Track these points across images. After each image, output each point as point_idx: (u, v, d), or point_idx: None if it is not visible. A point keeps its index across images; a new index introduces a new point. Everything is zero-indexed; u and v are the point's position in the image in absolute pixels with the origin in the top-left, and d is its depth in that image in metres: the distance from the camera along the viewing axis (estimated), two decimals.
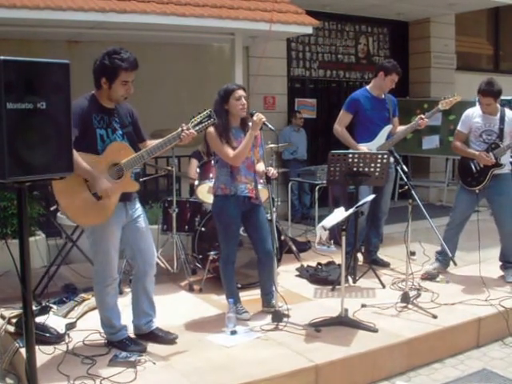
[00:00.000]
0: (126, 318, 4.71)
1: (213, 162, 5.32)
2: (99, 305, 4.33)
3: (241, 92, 4.78)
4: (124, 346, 4.26)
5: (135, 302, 4.43)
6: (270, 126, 4.75)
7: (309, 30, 8.40)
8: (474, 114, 5.94)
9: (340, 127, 6.39)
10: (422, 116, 6.24)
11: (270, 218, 4.92)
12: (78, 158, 3.77)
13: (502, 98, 6.09)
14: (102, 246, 4.14)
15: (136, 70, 4.03)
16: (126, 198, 4.16)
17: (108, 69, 3.93)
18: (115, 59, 3.93)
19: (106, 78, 3.96)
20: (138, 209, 4.32)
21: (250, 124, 4.74)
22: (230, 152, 4.73)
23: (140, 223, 4.29)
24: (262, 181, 5.06)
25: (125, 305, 5.10)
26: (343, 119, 6.41)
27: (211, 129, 4.66)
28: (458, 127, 6.09)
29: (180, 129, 4.12)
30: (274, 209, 6.49)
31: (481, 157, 5.76)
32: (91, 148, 3.96)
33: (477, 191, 5.89)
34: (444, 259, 6.15)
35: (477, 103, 6.22)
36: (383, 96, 6.42)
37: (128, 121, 4.22)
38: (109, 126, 4.06)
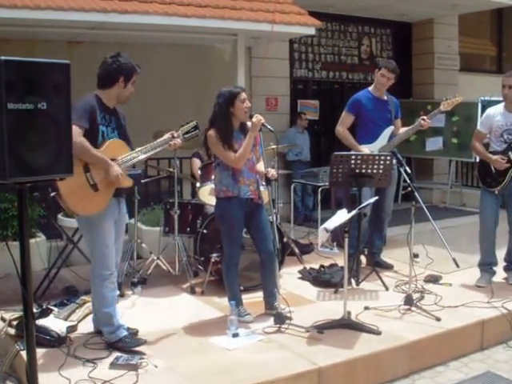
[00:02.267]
0: (128, 320, 4.71)
1: (214, 164, 5.30)
2: (98, 301, 4.36)
3: (245, 94, 4.79)
4: (124, 344, 4.27)
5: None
6: (268, 126, 4.77)
7: (311, 31, 8.37)
8: (495, 113, 5.82)
9: (342, 128, 6.38)
10: (424, 117, 6.20)
11: (271, 219, 4.91)
12: (92, 147, 4.07)
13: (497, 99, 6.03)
14: (98, 239, 4.27)
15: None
16: (120, 194, 4.37)
17: (128, 69, 4.27)
18: (129, 61, 4.27)
19: (124, 77, 4.26)
20: (124, 208, 4.57)
21: (250, 125, 4.74)
22: (232, 155, 4.72)
23: (122, 224, 4.61)
24: (263, 182, 5.04)
25: (125, 307, 5.11)
26: (345, 120, 6.40)
27: (212, 132, 4.67)
28: (478, 127, 6.03)
29: (170, 135, 4.50)
30: (276, 210, 6.51)
31: (497, 161, 5.68)
32: (92, 142, 4.13)
33: (496, 192, 5.81)
34: (490, 269, 5.98)
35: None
36: (385, 97, 6.40)
37: (124, 123, 4.49)
38: (109, 125, 4.31)
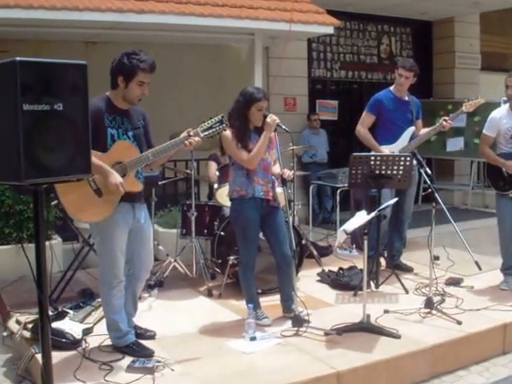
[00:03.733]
0: (143, 323, 4.69)
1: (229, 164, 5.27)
2: (105, 307, 4.31)
3: (264, 104, 4.70)
4: (131, 350, 4.22)
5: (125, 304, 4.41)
6: (283, 127, 4.72)
7: (330, 30, 8.32)
8: (501, 116, 5.75)
9: (362, 128, 6.32)
10: (446, 118, 6.13)
11: (288, 220, 4.87)
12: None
13: None
14: (107, 247, 4.15)
15: (153, 72, 4.10)
16: (133, 199, 4.18)
17: (126, 68, 4.01)
18: (134, 59, 4.01)
19: (123, 76, 4.03)
20: (145, 215, 4.36)
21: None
22: (245, 155, 4.68)
23: (145, 229, 4.34)
24: (280, 184, 4.99)
25: (142, 310, 5.09)
26: (366, 120, 6.34)
27: (227, 131, 4.61)
28: (484, 131, 5.92)
29: (186, 133, 4.18)
30: (293, 211, 6.45)
31: (509, 166, 5.59)
32: (101, 146, 3.99)
33: (510, 195, 5.71)
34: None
35: (502, 103, 6.07)
36: (407, 98, 6.33)
37: (140, 123, 4.28)
38: (120, 127, 4.12)
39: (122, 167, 4.06)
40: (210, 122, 4.29)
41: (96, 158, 3.87)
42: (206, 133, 4.27)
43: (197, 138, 4.20)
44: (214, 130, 4.30)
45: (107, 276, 4.18)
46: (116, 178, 3.95)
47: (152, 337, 4.54)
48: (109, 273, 4.17)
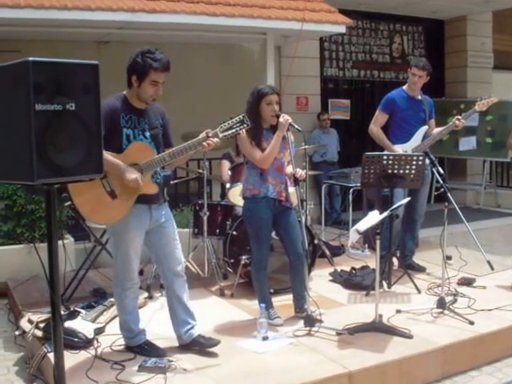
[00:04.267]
0: (155, 323, 4.70)
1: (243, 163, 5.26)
2: (118, 307, 4.30)
3: (272, 97, 4.68)
4: (143, 350, 4.21)
5: (171, 310, 4.32)
6: (296, 126, 4.69)
7: (342, 29, 8.31)
8: None
9: (375, 127, 6.31)
10: (459, 117, 6.10)
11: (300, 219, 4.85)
12: (104, 153, 3.75)
13: None
14: (121, 250, 4.09)
15: (167, 72, 3.99)
16: (150, 200, 4.08)
17: (139, 67, 3.93)
18: (148, 58, 3.92)
19: (136, 75, 3.96)
20: (165, 214, 4.24)
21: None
22: (258, 154, 4.67)
23: (167, 228, 4.21)
24: (293, 183, 4.98)
25: (154, 309, 5.09)
26: (379, 119, 6.32)
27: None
28: None
29: (205, 134, 4.04)
30: (306, 211, 6.44)
31: None
32: (116, 147, 3.94)
33: None
34: None
35: None
36: (420, 97, 6.30)
37: (159, 123, 4.18)
38: (136, 127, 4.04)
39: (138, 169, 3.96)
40: (230, 122, 4.10)
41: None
42: (225, 133, 4.09)
43: (215, 140, 4.04)
44: (234, 130, 4.10)
45: (121, 278, 4.16)
46: (133, 172, 3.87)
47: (215, 345, 4.26)
48: (122, 275, 4.15)
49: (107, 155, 3.77)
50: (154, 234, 4.19)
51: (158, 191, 4.10)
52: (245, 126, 4.13)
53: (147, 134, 4.08)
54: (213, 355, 4.21)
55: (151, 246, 4.23)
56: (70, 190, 3.84)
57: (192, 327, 4.29)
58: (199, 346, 4.25)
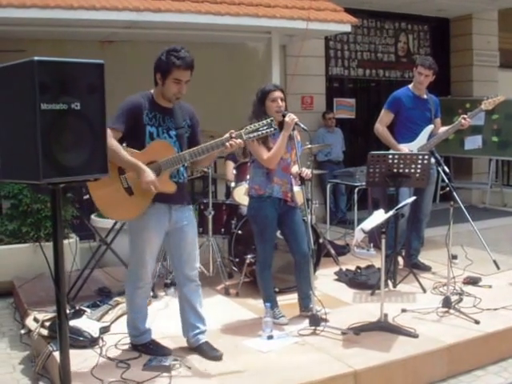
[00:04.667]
0: (160, 322, 4.72)
1: (249, 162, 5.25)
2: (128, 304, 4.30)
3: (277, 94, 4.69)
4: (148, 349, 4.21)
5: (181, 312, 4.31)
6: (302, 125, 4.68)
7: (347, 28, 8.31)
8: None
9: (381, 126, 6.29)
10: (465, 116, 6.08)
11: (305, 219, 4.85)
12: (122, 150, 3.82)
13: None
14: (137, 249, 4.08)
15: (190, 70, 3.99)
16: (169, 200, 4.03)
17: (163, 64, 3.95)
18: (171, 56, 3.93)
19: (160, 73, 3.98)
20: (187, 217, 4.19)
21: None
22: (265, 154, 4.66)
23: (186, 232, 4.16)
24: (298, 183, 4.97)
25: (158, 309, 5.09)
26: (384, 118, 6.30)
27: None
28: None
29: (228, 135, 4.00)
30: (311, 210, 6.43)
31: None
32: (139, 144, 3.95)
33: None
34: None
35: None
36: (425, 96, 6.27)
37: (186, 123, 4.16)
38: (161, 125, 4.02)
39: (156, 166, 3.92)
40: (256, 124, 4.07)
41: (130, 156, 3.86)
42: (250, 135, 4.05)
43: (239, 141, 3.99)
44: (259, 132, 4.07)
45: (133, 276, 4.16)
46: (148, 176, 3.83)
47: (216, 358, 4.16)
48: (135, 273, 4.14)
49: (125, 153, 3.81)
50: (173, 237, 4.15)
51: (177, 191, 4.03)
52: (272, 129, 4.10)
53: (172, 132, 4.06)
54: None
55: (169, 247, 4.24)
56: (88, 184, 3.80)
57: (200, 332, 4.27)
58: (202, 353, 4.21)
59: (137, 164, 3.85)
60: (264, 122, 4.08)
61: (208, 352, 4.20)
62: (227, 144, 3.96)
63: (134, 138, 3.91)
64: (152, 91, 4.08)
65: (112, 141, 3.69)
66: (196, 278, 4.29)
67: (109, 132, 3.42)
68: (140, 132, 3.94)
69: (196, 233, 4.29)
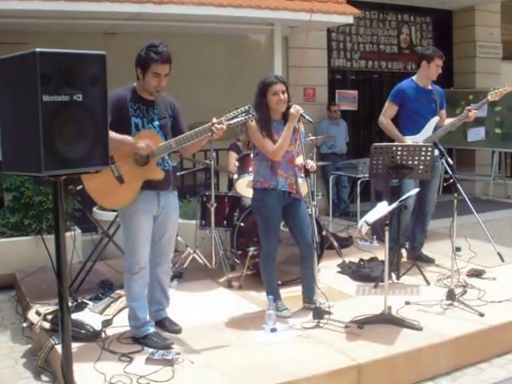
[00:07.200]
0: None
1: (252, 155, 5.23)
2: (126, 293, 4.37)
3: (278, 87, 4.66)
4: (149, 341, 4.23)
5: (149, 287, 4.46)
6: (307, 117, 4.68)
7: (350, 20, 8.27)
8: None
9: (385, 119, 6.23)
10: (470, 107, 6.03)
11: (310, 211, 4.83)
12: (112, 133, 3.88)
13: None
14: (130, 233, 4.24)
15: (167, 64, 4.16)
16: (157, 186, 4.24)
17: (142, 60, 4.14)
18: (150, 51, 4.11)
19: (140, 68, 4.17)
20: (173, 202, 4.43)
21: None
22: (270, 146, 4.65)
23: (170, 216, 4.40)
24: (302, 175, 4.95)
25: None
26: (388, 110, 6.24)
27: (253, 122, 4.57)
28: None
29: (211, 123, 4.19)
30: (315, 203, 6.41)
31: None
32: (124, 134, 4.10)
33: None
34: None
35: None
36: (430, 87, 6.22)
37: (168, 113, 4.35)
38: (145, 116, 4.22)
39: (144, 155, 4.13)
40: (235, 112, 4.29)
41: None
42: (230, 122, 4.25)
43: (220, 126, 4.18)
44: (239, 119, 4.28)
45: (129, 262, 4.26)
46: (142, 141, 4.06)
47: (176, 331, 4.49)
48: (130, 259, 4.25)
49: (113, 133, 3.91)
50: (159, 221, 4.34)
51: (164, 177, 4.25)
52: (250, 116, 4.32)
53: (156, 123, 4.26)
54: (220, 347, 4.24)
55: (153, 228, 4.35)
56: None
57: (163, 309, 4.59)
58: (163, 327, 4.49)
59: (126, 138, 4.08)
60: (242, 109, 4.29)
61: (169, 326, 4.52)
62: (213, 129, 4.16)
63: (120, 129, 4.05)
64: (135, 84, 4.28)
65: None
66: (170, 260, 4.61)
67: None
68: (125, 123, 4.14)
69: (177, 220, 4.56)
